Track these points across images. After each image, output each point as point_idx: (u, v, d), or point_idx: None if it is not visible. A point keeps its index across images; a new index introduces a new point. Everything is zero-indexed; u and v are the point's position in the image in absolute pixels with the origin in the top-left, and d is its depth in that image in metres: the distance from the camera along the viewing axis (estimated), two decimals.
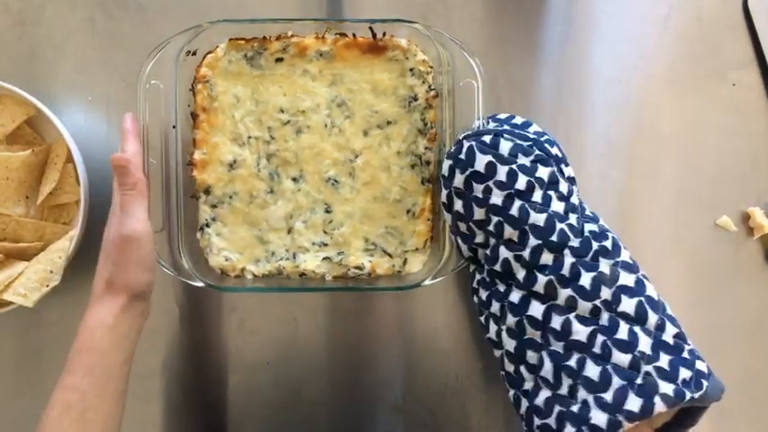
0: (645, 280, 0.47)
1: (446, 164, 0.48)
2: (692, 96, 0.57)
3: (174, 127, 0.52)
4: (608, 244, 0.47)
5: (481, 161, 0.46)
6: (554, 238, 0.46)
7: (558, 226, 0.46)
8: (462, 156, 0.47)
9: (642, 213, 0.56)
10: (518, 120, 0.52)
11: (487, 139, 0.47)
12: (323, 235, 0.53)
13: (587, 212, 0.49)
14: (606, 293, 0.45)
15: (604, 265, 0.46)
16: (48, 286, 0.50)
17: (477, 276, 0.50)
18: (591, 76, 0.56)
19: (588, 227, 0.47)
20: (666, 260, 0.56)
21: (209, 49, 0.52)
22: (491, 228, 0.47)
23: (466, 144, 0.47)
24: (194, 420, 0.56)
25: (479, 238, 0.48)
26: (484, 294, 0.49)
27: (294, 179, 0.53)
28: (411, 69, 0.52)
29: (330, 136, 0.53)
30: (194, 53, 0.52)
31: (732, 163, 0.57)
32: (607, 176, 0.56)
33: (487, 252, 0.48)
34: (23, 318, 0.54)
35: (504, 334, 0.48)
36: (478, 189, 0.47)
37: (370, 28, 0.52)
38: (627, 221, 0.56)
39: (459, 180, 0.47)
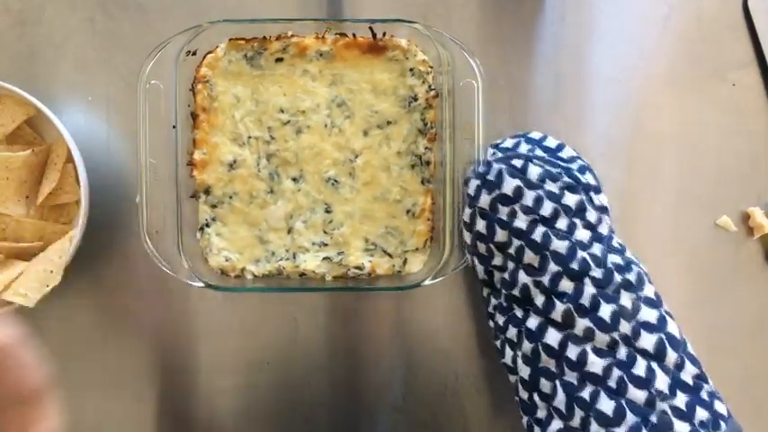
0: (668, 316, 0.46)
1: (473, 183, 0.48)
2: (692, 96, 0.57)
3: (174, 127, 0.52)
4: (632, 277, 0.46)
5: (509, 185, 0.47)
6: (574, 265, 0.45)
7: (580, 254, 0.45)
8: (491, 177, 0.47)
9: (642, 213, 0.56)
10: (551, 142, 0.51)
11: (518, 163, 0.47)
12: (323, 235, 0.53)
13: (615, 243, 0.48)
14: (625, 327, 0.44)
15: (626, 299, 0.45)
16: (48, 286, 0.50)
17: (494, 301, 0.50)
18: (591, 76, 0.56)
19: (612, 258, 0.47)
20: (666, 260, 0.56)
21: (209, 49, 0.52)
22: (511, 251, 0.47)
23: (496, 166, 0.47)
24: (193, 420, 0.56)
25: (497, 261, 0.48)
26: (501, 319, 0.49)
27: (294, 179, 0.53)
28: (411, 69, 0.52)
29: (330, 136, 0.53)
30: (194, 53, 0.52)
31: (732, 163, 0.57)
32: (607, 176, 0.56)
33: (505, 276, 0.48)
34: (23, 318, 0.54)
35: (519, 360, 0.47)
36: (504, 211, 0.47)
37: (370, 28, 0.52)
38: (627, 221, 0.56)
39: (484, 201, 0.47)
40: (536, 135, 0.52)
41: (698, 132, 0.57)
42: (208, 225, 0.53)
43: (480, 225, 0.48)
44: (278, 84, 0.53)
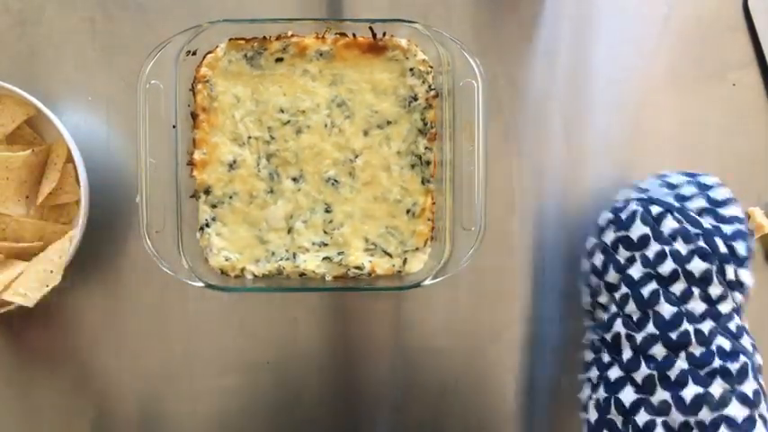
0: (760, 420, 0.43)
1: (606, 215, 0.48)
2: (691, 96, 0.57)
3: (174, 127, 0.52)
4: (733, 366, 0.43)
5: (638, 230, 0.45)
6: (673, 335, 0.44)
7: (685, 326, 0.44)
8: (624, 216, 0.46)
9: None
10: (719, 193, 0.48)
11: (655, 210, 0.46)
12: (323, 235, 0.53)
13: (733, 325, 0.45)
14: (706, 416, 0.42)
15: (716, 387, 0.43)
16: (48, 286, 0.50)
17: (589, 336, 0.49)
18: (591, 76, 0.56)
19: (720, 340, 0.44)
20: None
21: (209, 49, 0.52)
22: (617, 296, 0.46)
23: (632, 206, 0.46)
24: (193, 420, 0.56)
25: (603, 299, 0.48)
26: (589, 356, 0.49)
27: (294, 179, 0.53)
28: (411, 69, 0.52)
29: (330, 136, 0.53)
30: (194, 53, 0.52)
31: (732, 163, 0.57)
32: (607, 176, 0.56)
33: (605, 317, 0.47)
34: (23, 318, 0.54)
35: (591, 402, 0.47)
36: (623, 255, 0.46)
37: (370, 28, 0.52)
38: None
39: (609, 237, 0.47)
40: (708, 180, 0.49)
41: (698, 132, 0.57)
42: (208, 225, 0.53)
43: (597, 259, 0.47)
44: (278, 84, 0.53)
